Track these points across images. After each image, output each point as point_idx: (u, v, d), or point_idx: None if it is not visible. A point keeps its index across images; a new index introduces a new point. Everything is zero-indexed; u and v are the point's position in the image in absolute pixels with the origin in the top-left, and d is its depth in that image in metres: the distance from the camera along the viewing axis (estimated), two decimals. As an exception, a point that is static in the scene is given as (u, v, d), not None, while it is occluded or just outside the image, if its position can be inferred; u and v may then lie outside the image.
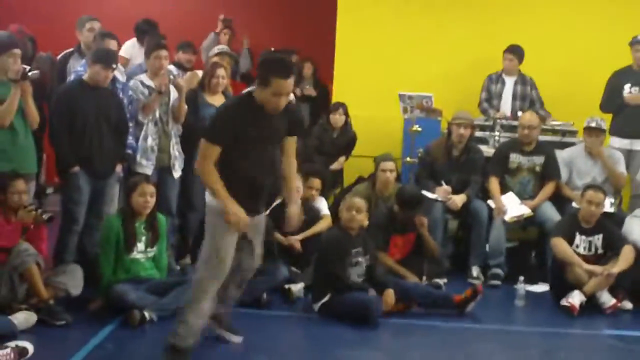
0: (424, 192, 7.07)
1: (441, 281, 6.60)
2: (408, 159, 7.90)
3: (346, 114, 8.28)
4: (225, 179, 4.39)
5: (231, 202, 4.37)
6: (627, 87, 7.89)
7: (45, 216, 5.42)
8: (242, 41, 10.05)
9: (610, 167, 7.40)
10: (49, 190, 8.25)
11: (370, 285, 5.86)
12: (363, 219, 5.98)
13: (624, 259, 6.33)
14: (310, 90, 9.50)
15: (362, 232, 6.00)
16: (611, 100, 7.97)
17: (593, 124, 7.36)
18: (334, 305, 5.67)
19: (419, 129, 7.92)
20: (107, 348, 4.90)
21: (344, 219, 5.96)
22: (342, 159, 8.35)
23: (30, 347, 4.64)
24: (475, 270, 7.08)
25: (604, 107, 8.01)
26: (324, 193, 7.15)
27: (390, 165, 7.17)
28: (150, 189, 5.75)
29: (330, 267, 5.76)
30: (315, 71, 9.73)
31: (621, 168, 7.50)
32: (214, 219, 4.50)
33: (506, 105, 8.36)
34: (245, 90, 4.99)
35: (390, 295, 5.82)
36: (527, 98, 8.37)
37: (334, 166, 8.25)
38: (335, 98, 8.79)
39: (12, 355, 4.48)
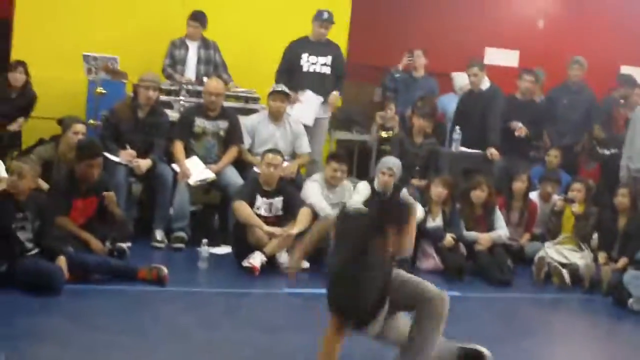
0: (108, 155, 6.95)
1: (125, 245, 6.53)
2: (92, 121, 7.69)
3: (26, 73, 7.88)
4: None
5: None
6: (304, 56, 8.30)
7: None
8: None
9: (297, 150, 7.84)
10: None
11: (43, 251, 5.64)
12: (26, 185, 5.68)
13: (302, 221, 6.70)
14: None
15: (33, 196, 5.73)
16: (286, 69, 8.33)
17: (279, 88, 7.70)
18: (14, 273, 5.39)
19: (104, 91, 7.75)
20: None
21: (8, 184, 5.66)
22: (21, 119, 7.95)
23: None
24: (159, 234, 7.11)
25: (279, 76, 8.29)
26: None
27: (80, 127, 6.94)
28: None
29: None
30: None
31: (305, 145, 7.92)
32: None
33: (190, 70, 8.40)
34: None
35: (62, 262, 5.63)
36: (211, 62, 8.47)
37: (12, 127, 7.88)
38: (15, 56, 8.30)
39: None
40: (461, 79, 9.54)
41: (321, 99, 8.26)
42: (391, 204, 5.00)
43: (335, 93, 8.43)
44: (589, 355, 5.52)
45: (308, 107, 8.25)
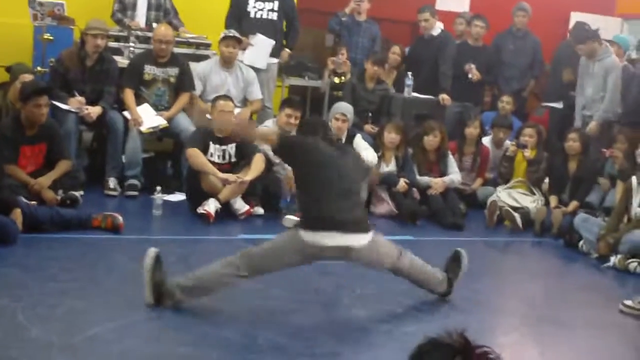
0: (57, 103, 6.83)
1: (78, 194, 6.45)
2: (39, 68, 7.51)
3: (-30, 18, 7.65)
4: None
5: None
6: (251, 1, 8.19)
7: None
8: None
9: (248, 96, 7.79)
10: None
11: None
12: None
13: (255, 167, 6.68)
14: None
15: None
16: (234, 14, 8.22)
17: (230, 34, 7.61)
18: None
19: (51, 37, 7.54)
20: None
21: None
22: (-36, 66, 7.73)
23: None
24: (112, 182, 7.04)
25: (228, 22, 8.19)
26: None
27: (28, 78, 6.78)
28: None
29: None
30: None
31: (256, 91, 7.86)
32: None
33: (141, 15, 8.22)
34: None
35: (17, 215, 5.53)
36: (162, 8, 8.30)
37: (-45, 74, 7.63)
38: (-43, 1, 8.04)
39: None
40: None
41: (272, 42, 8.18)
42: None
43: (287, 50, 8.37)
44: (540, 295, 5.63)
45: (260, 50, 8.16)
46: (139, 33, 7.91)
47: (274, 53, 8.29)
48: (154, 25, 7.85)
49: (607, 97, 8.21)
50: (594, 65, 8.32)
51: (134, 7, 8.22)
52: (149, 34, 7.73)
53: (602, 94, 8.27)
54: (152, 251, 4.46)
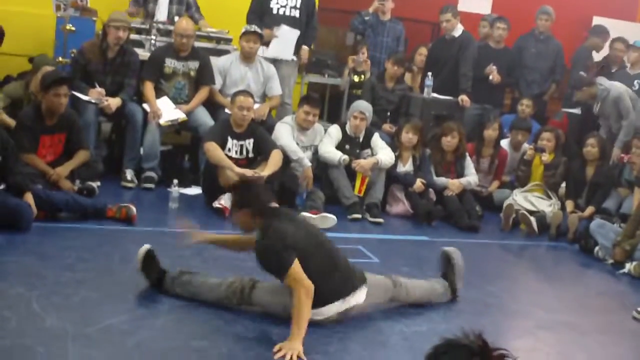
0: (77, 94, 6.87)
1: (95, 184, 6.48)
2: (60, 58, 7.54)
3: (-7, 7, 7.69)
4: None
5: None
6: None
7: None
8: None
9: (268, 92, 7.81)
10: None
11: (9, 188, 5.56)
12: None
13: (273, 163, 6.69)
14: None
15: None
16: (257, 10, 8.21)
17: (251, 29, 7.62)
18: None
19: (73, 28, 7.57)
20: None
21: None
22: (-13, 55, 7.77)
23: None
24: (129, 174, 7.06)
25: (249, 18, 8.18)
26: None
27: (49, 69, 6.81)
28: None
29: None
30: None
31: (276, 87, 7.85)
32: None
33: (163, 8, 8.23)
34: None
35: (29, 198, 5.54)
36: (184, 1, 8.31)
37: (-22, 63, 7.69)
38: (-20, -10, 8.08)
39: None
40: None
41: (297, 31, 8.17)
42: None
43: (305, 48, 8.35)
44: (555, 299, 5.60)
45: (286, 41, 8.15)
46: (161, 26, 7.94)
47: (295, 51, 8.29)
48: (176, 18, 7.86)
49: (625, 124, 8.19)
50: (604, 105, 8.28)
51: (155, 0, 8.25)
52: (170, 28, 7.75)
53: (622, 122, 8.25)
54: (142, 251, 4.51)
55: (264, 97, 7.85)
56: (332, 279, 4.34)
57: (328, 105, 9.32)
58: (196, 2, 8.43)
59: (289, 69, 8.29)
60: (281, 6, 8.21)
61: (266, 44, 8.03)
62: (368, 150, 7.43)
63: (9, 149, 5.57)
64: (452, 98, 8.66)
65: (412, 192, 7.37)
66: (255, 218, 4.34)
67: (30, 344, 3.70)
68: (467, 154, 7.78)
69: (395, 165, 7.44)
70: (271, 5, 8.19)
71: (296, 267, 4.10)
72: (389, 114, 8.38)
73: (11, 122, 6.42)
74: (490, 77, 8.94)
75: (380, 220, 6.99)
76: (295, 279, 4.09)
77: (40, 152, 6.22)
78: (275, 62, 8.12)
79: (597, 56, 10.11)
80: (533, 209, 7.46)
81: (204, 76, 7.51)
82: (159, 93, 7.35)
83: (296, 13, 8.27)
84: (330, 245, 4.48)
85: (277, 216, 4.33)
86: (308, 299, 4.07)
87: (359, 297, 4.47)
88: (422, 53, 9.38)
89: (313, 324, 4.15)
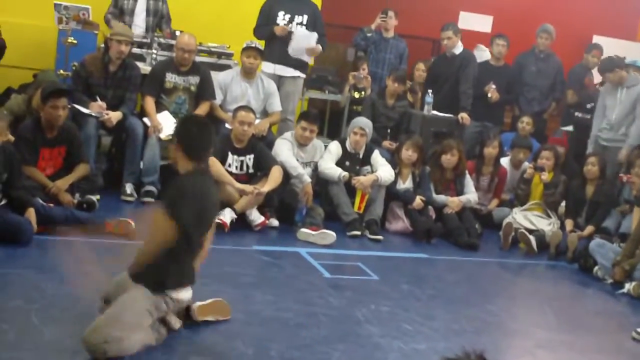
0: (78, 107, 6.87)
1: (94, 197, 6.47)
2: (62, 71, 7.56)
3: (-5, 19, 7.70)
4: None
5: None
6: (281, 14, 8.18)
7: None
8: None
9: (268, 108, 7.81)
10: None
11: (12, 203, 5.55)
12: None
13: (273, 179, 6.69)
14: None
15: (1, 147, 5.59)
16: (264, 26, 8.23)
17: (252, 44, 7.65)
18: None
19: (75, 41, 7.60)
20: None
21: None
22: (-11, 67, 7.79)
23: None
24: (129, 188, 7.05)
25: (257, 32, 8.21)
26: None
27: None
28: None
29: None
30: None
31: (276, 103, 7.86)
32: None
33: (140, 21, 8.15)
34: None
35: (31, 214, 5.55)
36: (159, 13, 8.29)
37: (-20, 75, 7.70)
38: (-17, 3, 8.12)
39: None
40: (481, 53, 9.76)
41: (315, 34, 8.13)
42: None
43: (318, 46, 8.28)
44: (554, 319, 5.59)
45: (303, 44, 8.13)
46: (162, 40, 7.95)
47: (302, 69, 8.29)
48: (177, 33, 7.84)
49: (638, 123, 8.17)
50: (622, 92, 8.30)
51: (132, 12, 8.18)
52: (172, 42, 7.76)
53: (631, 117, 8.23)
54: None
55: (265, 113, 7.85)
56: (191, 262, 4.28)
57: (328, 121, 9.33)
58: (169, 13, 8.39)
59: (293, 85, 8.28)
60: (288, 22, 8.21)
61: (286, 37, 8.00)
62: (368, 167, 7.44)
63: (14, 164, 5.58)
64: (452, 116, 8.68)
65: (412, 210, 7.36)
66: (183, 159, 4.19)
67: (29, 358, 3.69)
68: (466, 171, 7.78)
69: (395, 183, 7.44)
70: (278, 22, 8.19)
71: (177, 221, 3.98)
72: (389, 130, 8.38)
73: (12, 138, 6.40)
74: (489, 95, 8.96)
75: (380, 237, 6.99)
76: (165, 226, 4.00)
77: (39, 165, 6.21)
78: (280, 78, 8.14)
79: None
80: (532, 227, 7.45)
81: (205, 91, 7.52)
82: (159, 107, 7.35)
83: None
84: (206, 235, 4.39)
85: (202, 175, 4.24)
86: (157, 247, 4.03)
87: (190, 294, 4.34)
88: (419, 68, 9.41)
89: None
